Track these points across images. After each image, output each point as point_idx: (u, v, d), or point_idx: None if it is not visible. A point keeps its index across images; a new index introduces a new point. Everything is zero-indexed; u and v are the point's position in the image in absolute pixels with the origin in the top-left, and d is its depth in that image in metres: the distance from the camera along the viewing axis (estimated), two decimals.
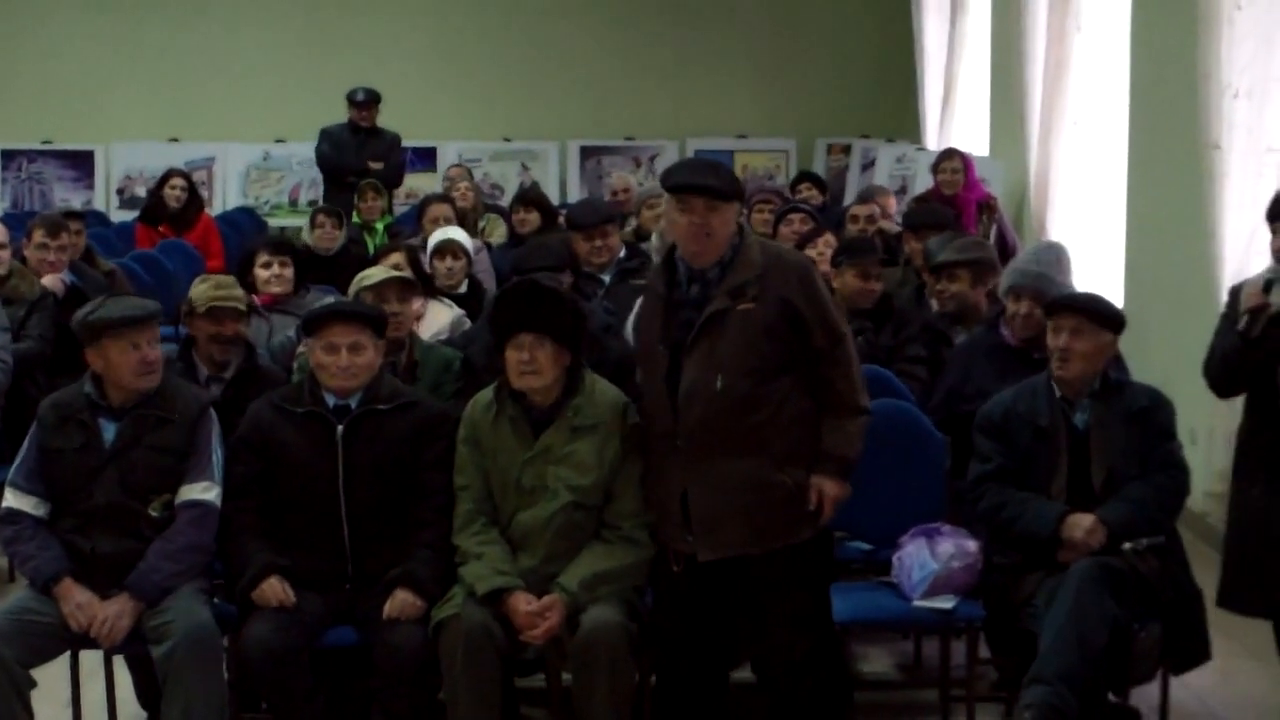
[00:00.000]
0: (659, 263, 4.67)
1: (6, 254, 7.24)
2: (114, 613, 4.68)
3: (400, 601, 4.72)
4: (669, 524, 4.58)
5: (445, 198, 9.65)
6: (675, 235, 4.58)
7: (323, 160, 11.63)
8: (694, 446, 4.45)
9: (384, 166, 11.31)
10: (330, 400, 4.90)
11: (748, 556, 4.51)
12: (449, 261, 7.11)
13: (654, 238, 7.32)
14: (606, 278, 6.91)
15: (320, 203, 11.18)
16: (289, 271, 6.79)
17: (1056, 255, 5.82)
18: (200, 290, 5.56)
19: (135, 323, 4.84)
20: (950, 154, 10.32)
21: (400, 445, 4.88)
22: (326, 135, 11.62)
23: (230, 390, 5.41)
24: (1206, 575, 5.17)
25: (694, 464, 4.47)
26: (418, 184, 14.16)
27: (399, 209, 12.29)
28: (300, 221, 11.36)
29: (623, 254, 7.17)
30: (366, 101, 11.57)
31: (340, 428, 4.87)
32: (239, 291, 5.68)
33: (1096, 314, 4.89)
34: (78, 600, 4.70)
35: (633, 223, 8.98)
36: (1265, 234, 6.54)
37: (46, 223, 7.85)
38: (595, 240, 6.98)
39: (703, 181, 4.50)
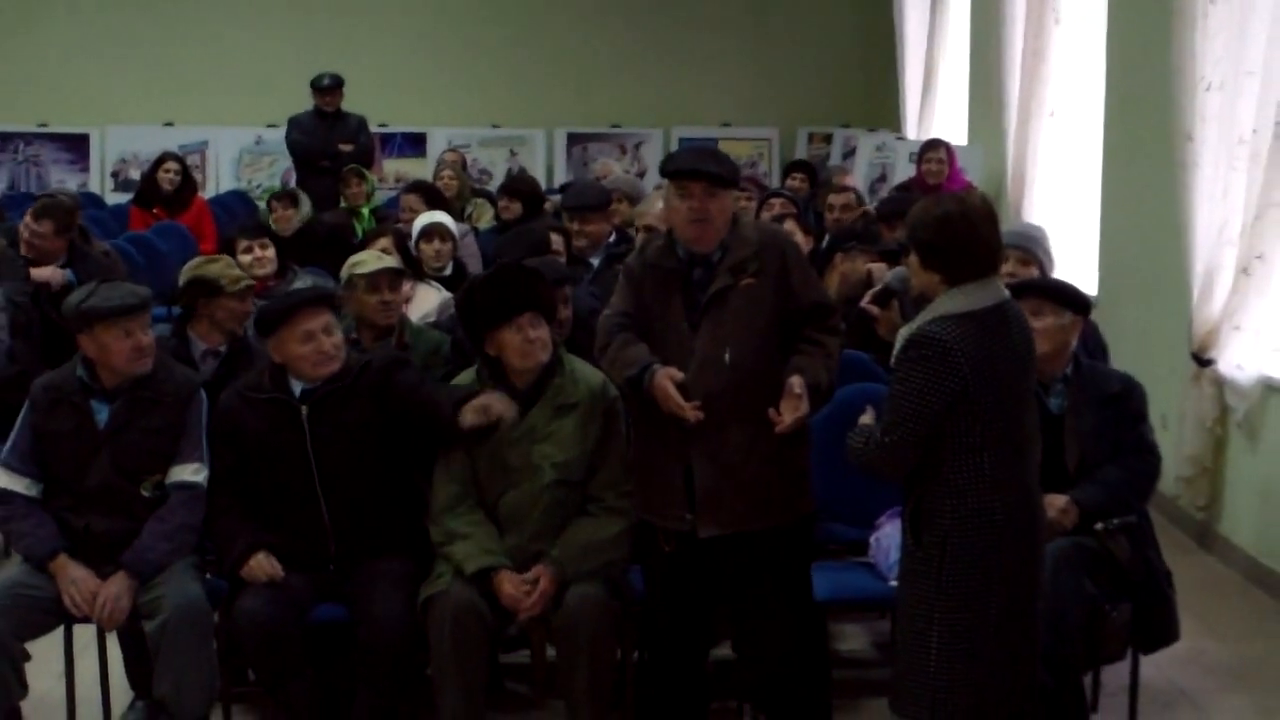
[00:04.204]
0: (661, 245, 4.63)
1: None
2: (113, 594, 4.68)
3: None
4: (667, 502, 4.54)
5: (417, 186, 9.58)
6: (674, 221, 4.57)
7: (295, 148, 11.65)
8: (703, 420, 4.41)
9: (354, 148, 11.33)
10: (298, 387, 4.87)
11: (743, 534, 4.50)
12: (436, 244, 7.13)
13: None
14: (595, 261, 6.89)
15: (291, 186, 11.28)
16: (270, 253, 6.92)
17: (1040, 229, 5.97)
18: (220, 270, 5.58)
19: (128, 311, 4.81)
20: (935, 144, 10.36)
21: (365, 410, 4.84)
22: (295, 124, 11.66)
23: (223, 368, 5.43)
24: (1176, 557, 5.18)
25: (702, 438, 4.44)
26: (408, 169, 14.17)
27: (388, 194, 12.28)
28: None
29: (612, 239, 7.14)
30: (331, 86, 11.59)
31: (305, 409, 4.84)
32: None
33: (1056, 294, 4.89)
34: (73, 576, 4.70)
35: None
36: (1236, 223, 6.62)
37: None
38: (583, 224, 6.96)
39: (703, 167, 4.49)
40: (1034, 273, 5.45)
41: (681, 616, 4.68)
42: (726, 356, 4.43)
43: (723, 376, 4.43)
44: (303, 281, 5.87)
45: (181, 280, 5.63)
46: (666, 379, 4.39)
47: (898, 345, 4.01)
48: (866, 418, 4.14)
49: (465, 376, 4.93)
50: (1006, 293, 4.08)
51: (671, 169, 4.57)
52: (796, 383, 4.37)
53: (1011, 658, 4.00)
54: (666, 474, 4.54)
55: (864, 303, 6.02)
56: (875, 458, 4.01)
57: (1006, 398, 3.95)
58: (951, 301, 3.95)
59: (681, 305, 4.53)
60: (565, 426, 4.78)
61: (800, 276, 4.57)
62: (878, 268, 6.44)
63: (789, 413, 4.34)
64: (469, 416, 4.65)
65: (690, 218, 4.47)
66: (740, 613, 4.69)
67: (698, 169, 4.49)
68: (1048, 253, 5.71)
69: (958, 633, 3.94)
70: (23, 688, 4.68)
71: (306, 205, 10.03)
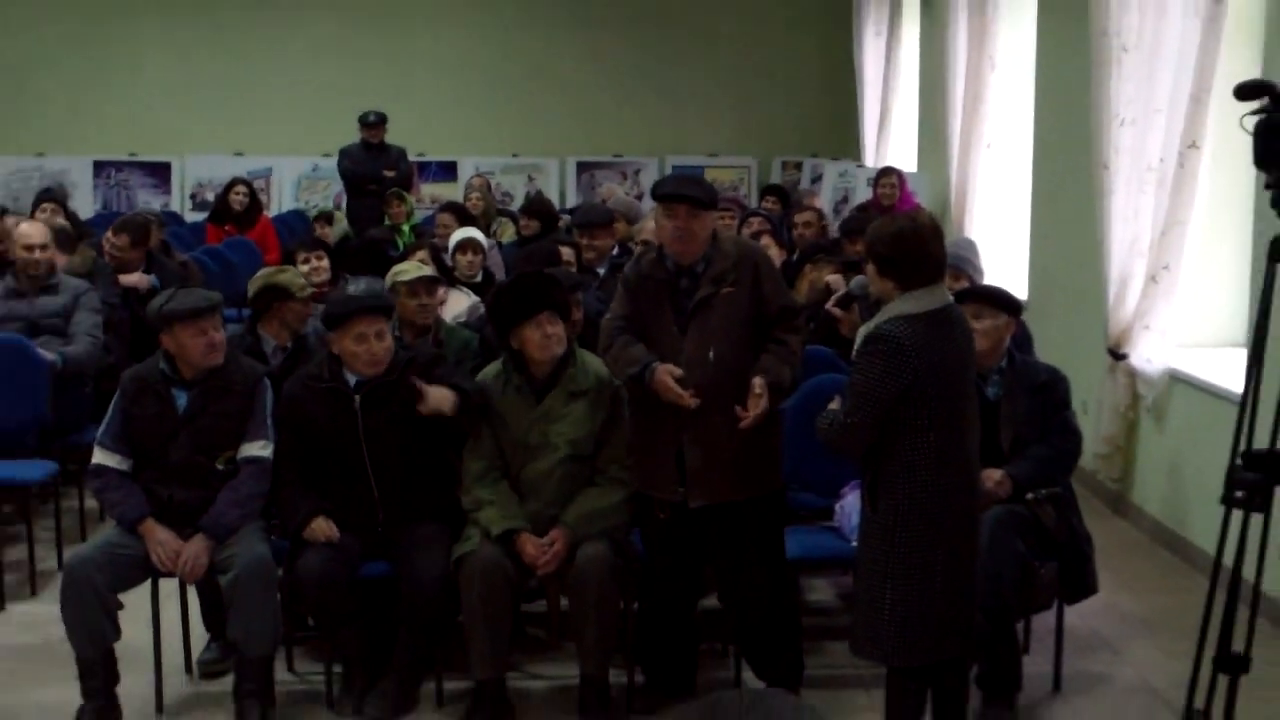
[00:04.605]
0: (653, 258, 4.62)
1: (50, 255, 6.76)
2: (193, 553, 4.67)
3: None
4: (662, 478, 4.54)
5: (450, 207, 9.60)
6: (662, 237, 4.56)
7: (346, 174, 11.66)
8: (692, 408, 4.41)
9: (396, 174, 11.34)
10: (352, 379, 4.82)
11: (726, 504, 4.50)
12: (469, 255, 7.15)
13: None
14: (601, 271, 6.89)
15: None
16: (324, 263, 7.00)
17: (970, 243, 5.94)
18: (289, 279, 5.60)
19: (202, 313, 4.79)
20: (888, 171, 10.34)
21: (409, 400, 4.78)
22: (345, 154, 11.67)
23: (289, 361, 5.43)
24: (1095, 522, 5.16)
25: (691, 424, 4.43)
26: (441, 192, 14.14)
27: (425, 213, 12.26)
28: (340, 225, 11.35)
29: (615, 251, 7.13)
30: (376, 122, 11.60)
31: (357, 398, 4.80)
32: None
33: (993, 299, 4.88)
34: (159, 537, 4.69)
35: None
36: (1145, 239, 6.60)
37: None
38: (590, 239, 6.98)
39: (686, 192, 4.49)
40: (965, 284, 5.43)
41: (675, 573, 4.69)
42: (711, 355, 4.43)
43: (708, 372, 4.42)
44: (355, 285, 5.84)
45: (255, 287, 5.63)
46: (666, 374, 4.39)
47: (858, 342, 3.98)
48: (834, 404, 4.12)
49: (492, 368, 4.91)
50: (950, 297, 4.07)
51: (660, 193, 4.57)
52: (758, 383, 4.37)
53: (954, 607, 3.98)
54: (661, 454, 4.54)
55: (829, 305, 6.00)
56: (838, 437, 4.00)
57: (951, 387, 3.92)
58: (904, 304, 3.92)
59: (671, 311, 4.52)
60: (577, 409, 4.75)
61: (771, 286, 4.56)
62: (834, 279, 6.43)
63: (752, 409, 4.35)
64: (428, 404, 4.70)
65: (675, 235, 4.47)
66: (724, 569, 4.69)
67: (681, 193, 4.49)
68: (976, 266, 5.68)
69: (909, 585, 3.92)
70: (117, 632, 4.68)
71: (342, 224, 10.00)
